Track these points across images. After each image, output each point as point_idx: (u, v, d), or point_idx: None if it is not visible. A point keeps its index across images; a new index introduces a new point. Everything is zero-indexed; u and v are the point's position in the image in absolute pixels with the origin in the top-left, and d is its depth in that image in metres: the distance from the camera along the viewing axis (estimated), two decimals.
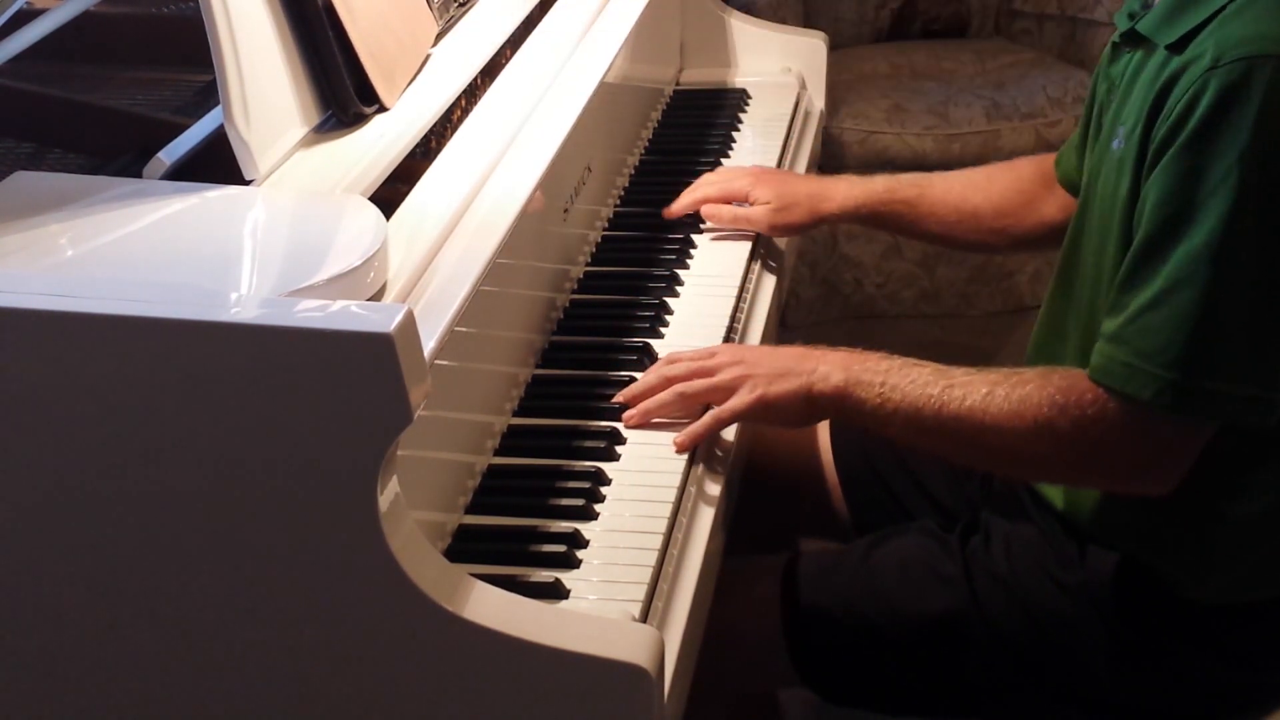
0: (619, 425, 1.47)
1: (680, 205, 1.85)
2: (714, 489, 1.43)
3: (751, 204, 1.84)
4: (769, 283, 1.81)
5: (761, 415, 1.46)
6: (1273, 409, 1.31)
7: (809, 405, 1.44)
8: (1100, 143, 1.47)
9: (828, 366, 1.44)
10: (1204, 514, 1.43)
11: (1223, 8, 1.31)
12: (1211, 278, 1.27)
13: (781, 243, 1.90)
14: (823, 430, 1.83)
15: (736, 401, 1.45)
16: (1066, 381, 1.36)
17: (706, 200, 1.85)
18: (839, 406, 1.43)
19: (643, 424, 1.47)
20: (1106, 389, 1.33)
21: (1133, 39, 1.43)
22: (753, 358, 1.48)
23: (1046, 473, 1.45)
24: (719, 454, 1.48)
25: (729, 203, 1.85)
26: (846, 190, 1.82)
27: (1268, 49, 1.26)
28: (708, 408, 1.46)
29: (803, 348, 1.49)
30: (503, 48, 1.72)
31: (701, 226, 1.86)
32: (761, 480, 1.74)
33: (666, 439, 1.46)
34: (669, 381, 1.48)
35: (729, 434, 1.50)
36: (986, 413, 1.37)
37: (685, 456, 1.43)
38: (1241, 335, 1.29)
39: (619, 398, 1.50)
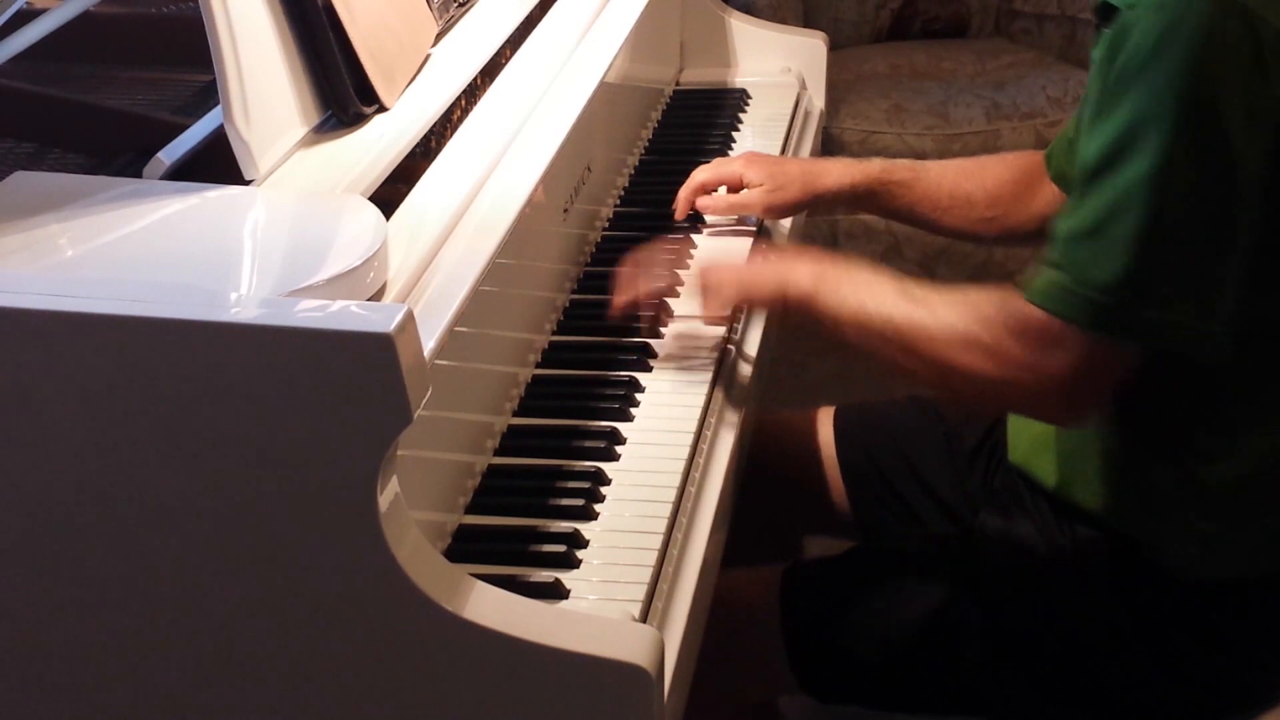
0: (619, 425, 1.47)
1: (682, 204, 1.85)
2: (714, 488, 1.43)
3: (746, 186, 1.84)
4: None
5: (741, 302, 1.64)
6: (1202, 341, 1.32)
7: (784, 301, 1.53)
8: (1084, 121, 1.49)
9: (802, 267, 1.52)
10: (1183, 482, 1.44)
11: None
12: (1148, 206, 1.29)
13: (782, 241, 1.90)
14: (826, 428, 1.83)
15: (724, 296, 1.60)
16: (1000, 298, 1.39)
17: (703, 186, 1.85)
18: (808, 307, 1.51)
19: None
20: (1044, 311, 1.34)
21: (1103, 13, 1.43)
22: (727, 266, 1.67)
23: (975, 387, 1.44)
24: (719, 453, 1.48)
25: (723, 185, 1.85)
26: (842, 169, 1.83)
27: None
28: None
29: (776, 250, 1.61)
30: (503, 48, 1.72)
31: (701, 227, 1.86)
32: (764, 478, 1.75)
33: (666, 439, 1.46)
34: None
35: (729, 434, 1.50)
36: (926, 325, 1.41)
37: (685, 456, 1.43)
38: (1174, 263, 1.30)
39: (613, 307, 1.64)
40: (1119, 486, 1.49)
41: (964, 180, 1.81)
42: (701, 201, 1.84)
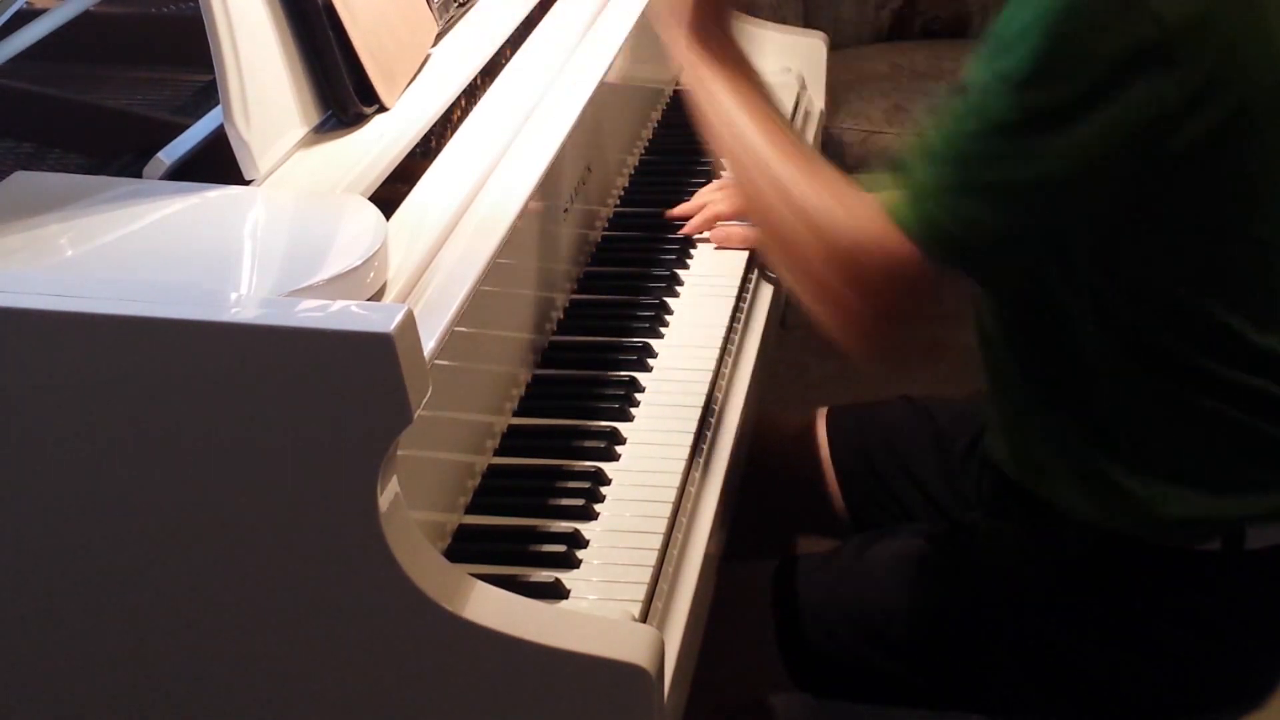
0: (619, 425, 1.47)
1: (693, 225, 1.84)
2: (714, 489, 1.43)
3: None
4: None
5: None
6: (981, 260, 1.31)
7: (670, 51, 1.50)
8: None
9: (678, 48, 1.49)
10: (1100, 446, 1.44)
11: None
12: (979, 115, 1.27)
13: None
14: (821, 427, 1.84)
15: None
16: (857, 203, 1.35)
17: (719, 218, 1.83)
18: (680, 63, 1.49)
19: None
20: (879, 214, 1.32)
21: None
22: None
23: (795, 271, 1.40)
24: (719, 454, 1.48)
25: (741, 215, 1.84)
26: None
27: None
28: None
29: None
30: (503, 48, 1.72)
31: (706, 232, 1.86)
32: (761, 479, 1.75)
33: (667, 439, 1.46)
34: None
35: (729, 434, 1.51)
36: (783, 182, 1.37)
37: (685, 456, 1.43)
38: (978, 175, 1.28)
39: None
40: (1070, 473, 1.48)
41: None
42: (717, 234, 1.82)
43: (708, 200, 1.86)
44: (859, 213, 1.33)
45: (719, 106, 1.45)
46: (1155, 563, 1.47)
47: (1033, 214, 1.30)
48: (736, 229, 1.82)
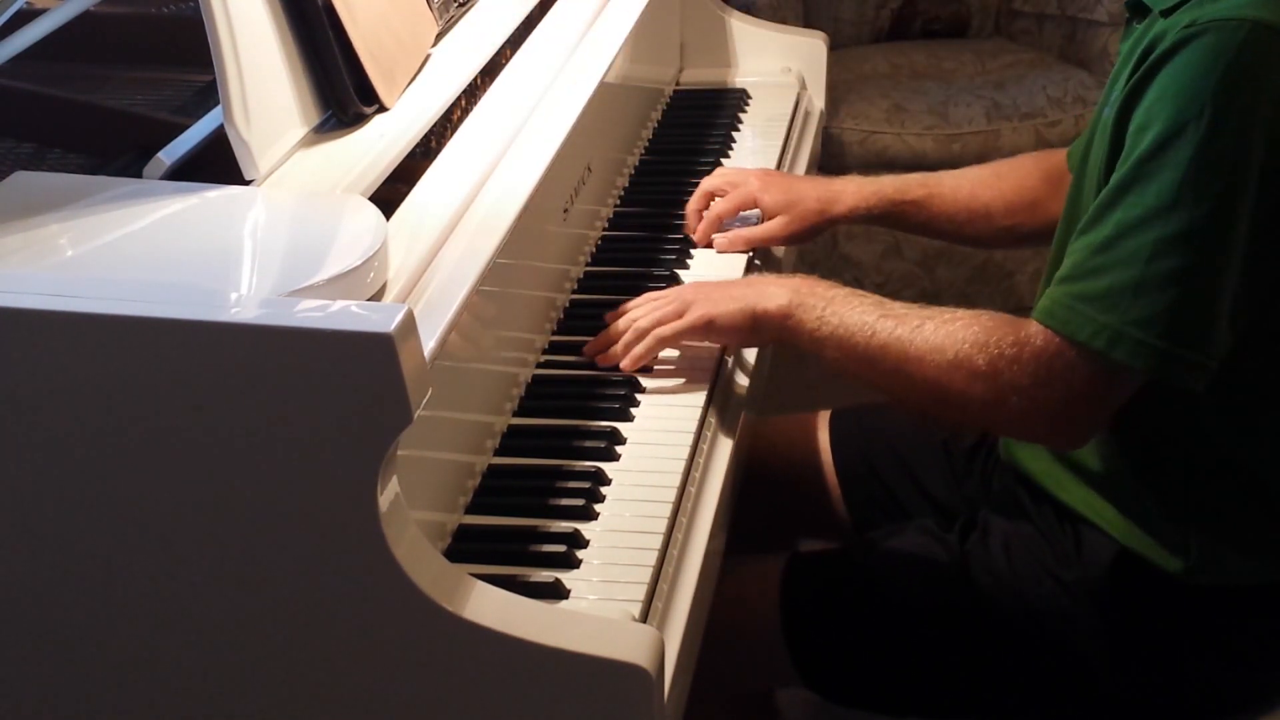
0: (619, 425, 1.47)
1: (702, 232, 1.83)
2: (714, 489, 1.43)
3: (759, 207, 1.82)
4: None
5: (705, 332, 1.53)
6: (1199, 373, 1.31)
7: (754, 323, 1.50)
8: (1097, 111, 1.49)
9: (776, 288, 1.50)
10: (1175, 495, 1.44)
11: None
12: (1156, 229, 1.28)
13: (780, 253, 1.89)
14: (822, 430, 1.83)
15: (680, 321, 1.51)
16: (993, 322, 1.38)
17: (722, 217, 1.83)
18: (781, 327, 1.49)
19: (608, 362, 1.54)
20: (1050, 330, 1.33)
21: (1138, 9, 1.43)
22: (707, 287, 1.57)
23: (965, 411, 1.43)
24: (719, 453, 1.48)
25: (740, 209, 1.83)
26: (855, 191, 1.81)
27: (1242, 13, 1.27)
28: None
29: (760, 275, 1.56)
30: (503, 48, 1.72)
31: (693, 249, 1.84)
32: (761, 480, 1.75)
33: (667, 439, 1.46)
34: (632, 325, 1.54)
35: (729, 434, 1.50)
36: (912, 344, 1.40)
37: (685, 456, 1.43)
38: (1173, 290, 1.29)
39: (586, 350, 1.56)
40: (1112, 496, 1.48)
41: (981, 190, 1.79)
42: (719, 241, 1.80)
43: (712, 187, 1.84)
44: (997, 328, 1.36)
45: (814, 334, 1.46)
46: (1181, 589, 1.47)
47: None
48: (741, 232, 1.81)
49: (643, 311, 1.55)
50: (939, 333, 1.39)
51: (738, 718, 1.74)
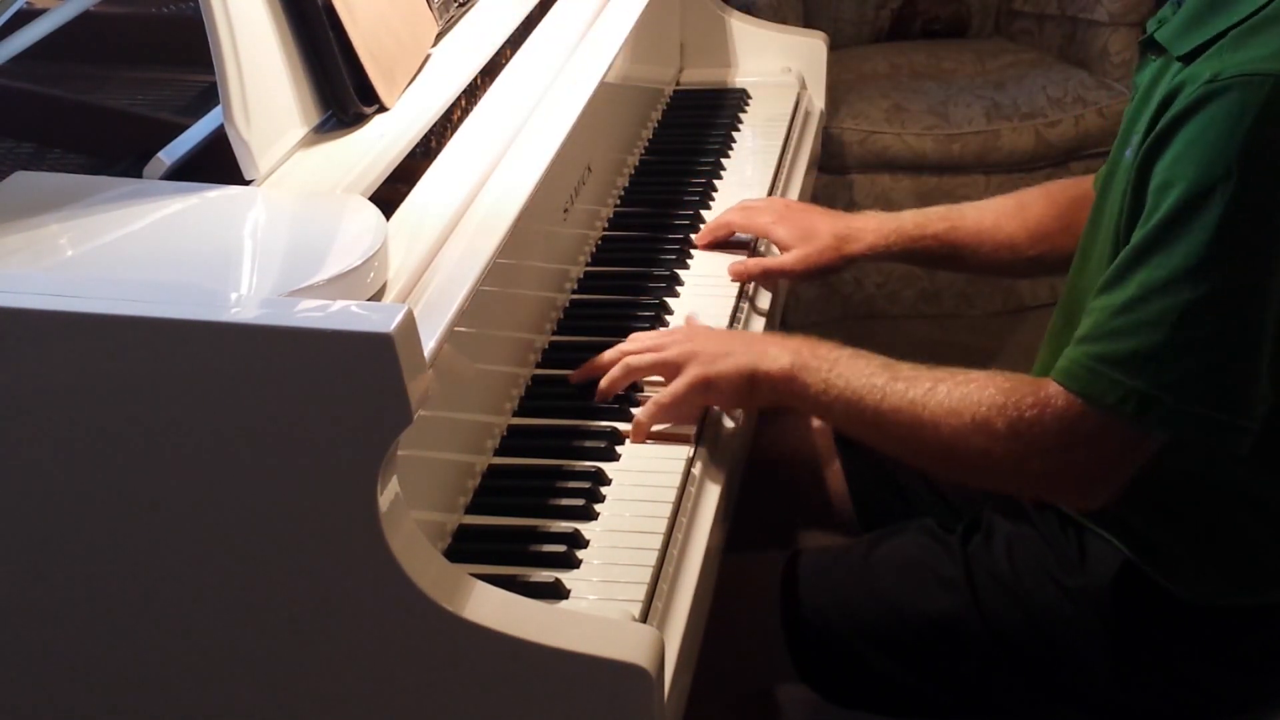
0: (619, 425, 1.47)
1: (704, 235, 1.82)
2: (714, 489, 1.43)
3: (771, 240, 1.81)
4: None
5: (702, 395, 1.47)
6: (1230, 434, 1.29)
7: (752, 385, 1.45)
8: (1117, 147, 1.47)
9: (777, 349, 1.46)
10: (1186, 523, 1.44)
11: (1238, 23, 1.30)
12: (1185, 292, 1.26)
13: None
14: (827, 427, 1.82)
15: (676, 384, 1.46)
16: (1010, 384, 1.35)
17: (731, 230, 1.82)
18: (783, 389, 1.44)
19: (602, 400, 1.49)
20: (1072, 392, 1.31)
21: (1155, 45, 1.42)
22: (703, 337, 1.51)
23: (982, 474, 1.42)
24: (720, 452, 1.48)
25: (750, 230, 1.82)
26: (875, 229, 1.78)
27: (1266, 67, 1.25)
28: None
29: (758, 332, 1.50)
30: (503, 48, 1.72)
31: (689, 260, 1.84)
32: (766, 474, 1.74)
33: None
34: (623, 356, 1.50)
35: (730, 434, 1.50)
36: (925, 407, 1.37)
37: (685, 456, 1.43)
38: (1208, 355, 1.28)
39: (573, 377, 1.52)
40: (1119, 531, 1.47)
41: (1005, 222, 1.76)
42: (734, 269, 1.77)
43: (728, 220, 1.83)
44: (1014, 389, 1.34)
45: (818, 397, 1.42)
46: (1185, 605, 1.46)
47: None
48: (754, 263, 1.78)
49: (634, 347, 1.51)
50: (953, 395, 1.36)
51: (738, 717, 1.74)
